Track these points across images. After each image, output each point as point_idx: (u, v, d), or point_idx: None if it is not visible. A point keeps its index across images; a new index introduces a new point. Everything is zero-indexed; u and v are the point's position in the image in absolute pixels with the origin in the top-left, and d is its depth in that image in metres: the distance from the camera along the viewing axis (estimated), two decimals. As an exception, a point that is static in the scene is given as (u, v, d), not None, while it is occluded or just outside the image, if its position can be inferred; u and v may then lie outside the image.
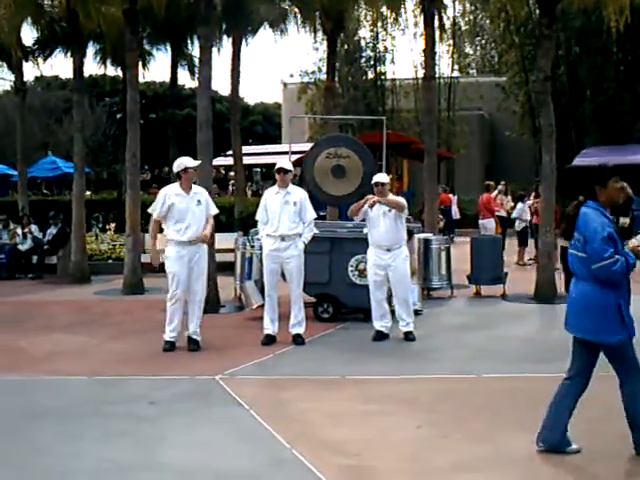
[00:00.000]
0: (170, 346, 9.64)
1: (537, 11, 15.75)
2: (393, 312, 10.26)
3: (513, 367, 8.57)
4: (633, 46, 28.79)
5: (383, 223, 9.96)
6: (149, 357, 9.39)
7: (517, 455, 5.77)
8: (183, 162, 9.89)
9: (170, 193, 9.75)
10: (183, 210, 9.66)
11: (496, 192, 20.72)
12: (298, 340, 9.86)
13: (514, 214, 19.43)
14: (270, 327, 9.90)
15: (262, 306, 10.36)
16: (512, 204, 20.74)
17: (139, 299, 14.35)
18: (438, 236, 14.70)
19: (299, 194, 10.04)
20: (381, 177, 10.35)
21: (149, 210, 9.93)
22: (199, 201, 9.80)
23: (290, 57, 76.06)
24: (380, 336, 10.07)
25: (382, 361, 9.02)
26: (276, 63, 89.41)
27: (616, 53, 30.34)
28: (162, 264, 9.78)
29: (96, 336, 10.72)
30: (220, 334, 9.94)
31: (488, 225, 19.32)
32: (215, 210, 10.09)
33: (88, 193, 25.33)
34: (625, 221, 16.50)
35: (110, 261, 18.28)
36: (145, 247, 17.22)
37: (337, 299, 11.47)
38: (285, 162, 10.38)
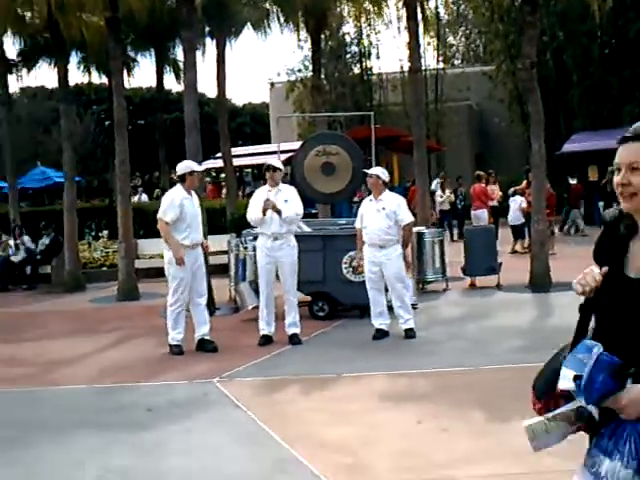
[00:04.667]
0: (180, 350, 9.61)
1: (519, -1, 15.72)
2: (391, 308, 10.22)
3: (510, 358, 8.57)
4: (616, 29, 28.81)
5: (375, 220, 9.93)
6: (146, 363, 9.38)
7: (519, 446, 5.74)
8: (189, 165, 9.92)
9: (178, 197, 9.66)
10: (192, 214, 9.66)
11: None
12: (294, 340, 9.84)
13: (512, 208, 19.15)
14: (266, 328, 9.88)
15: (257, 307, 10.35)
16: (500, 193, 20.74)
17: (135, 305, 14.33)
18: (431, 229, 14.68)
19: (289, 192, 10.02)
20: (374, 170, 10.39)
21: (159, 215, 9.66)
22: (200, 205, 9.82)
23: (276, 56, 75.92)
24: (380, 334, 10.06)
25: (379, 357, 9.02)
26: (262, 63, 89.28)
27: (600, 36, 30.35)
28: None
29: (93, 344, 10.70)
30: (216, 336, 9.91)
31: (481, 215, 19.28)
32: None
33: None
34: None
35: (104, 268, 18.24)
36: (139, 252, 17.25)
37: (332, 297, 11.46)
38: (273, 160, 10.41)
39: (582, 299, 2.57)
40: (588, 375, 2.42)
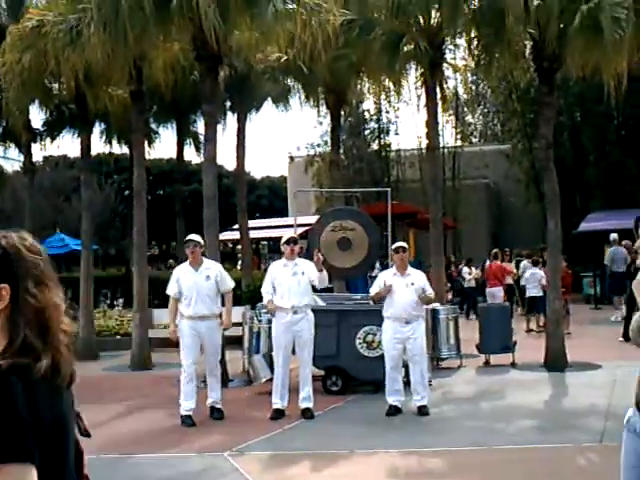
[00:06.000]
0: (191, 420, 9.61)
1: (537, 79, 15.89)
2: (405, 384, 10.15)
3: (525, 438, 8.47)
4: (633, 111, 29.08)
5: (404, 295, 9.89)
6: (157, 434, 9.33)
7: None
8: (187, 237, 10.24)
9: (177, 271, 10.20)
10: (190, 287, 9.79)
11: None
12: (307, 414, 9.77)
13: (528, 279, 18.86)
14: (279, 402, 9.82)
15: (270, 380, 10.32)
16: (516, 271, 20.71)
17: (147, 375, 14.29)
18: (446, 306, 14.65)
19: (306, 265, 10.05)
20: (404, 244, 10.49)
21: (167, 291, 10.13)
22: (208, 276, 9.90)
23: (296, 130, 76.93)
24: (393, 410, 9.93)
25: (392, 434, 8.94)
26: (282, 137, 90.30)
27: (617, 118, 30.66)
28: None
29: (104, 413, 10.64)
30: (228, 408, 9.87)
31: (497, 293, 19.23)
32: (230, 285, 10.23)
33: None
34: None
35: (118, 337, 18.23)
36: (154, 322, 17.26)
37: (346, 371, 11.41)
38: (292, 234, 10.60)
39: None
40: None
